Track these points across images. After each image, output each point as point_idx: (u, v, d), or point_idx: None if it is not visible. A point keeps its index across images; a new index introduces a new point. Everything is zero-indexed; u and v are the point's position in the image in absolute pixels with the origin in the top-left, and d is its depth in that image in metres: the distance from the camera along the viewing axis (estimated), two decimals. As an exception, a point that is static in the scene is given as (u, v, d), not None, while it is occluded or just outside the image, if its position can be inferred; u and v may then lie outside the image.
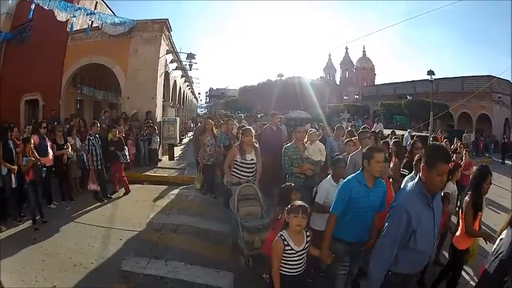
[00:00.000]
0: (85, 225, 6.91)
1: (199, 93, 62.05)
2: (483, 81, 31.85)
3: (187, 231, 6.77)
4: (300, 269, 3.43)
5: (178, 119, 16.13)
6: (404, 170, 6.23)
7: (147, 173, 11.57)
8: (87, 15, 14.28)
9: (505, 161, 21.78)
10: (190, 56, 18.14)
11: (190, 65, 18.92)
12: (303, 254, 3.41)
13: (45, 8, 12.88)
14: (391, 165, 5.90)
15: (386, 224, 2.93)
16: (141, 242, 6.19)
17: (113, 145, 9.01)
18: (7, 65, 18.35)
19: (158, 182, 10.73)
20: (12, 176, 6.81)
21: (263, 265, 4.05)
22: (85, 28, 14.55)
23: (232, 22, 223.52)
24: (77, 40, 15.78)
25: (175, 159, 14.59)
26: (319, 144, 6.79)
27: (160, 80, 15.31)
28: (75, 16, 13.84)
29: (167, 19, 15.04)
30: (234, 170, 6.23)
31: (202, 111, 67.22)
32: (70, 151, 8.62)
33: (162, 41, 14.97)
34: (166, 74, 17.52)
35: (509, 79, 32.61)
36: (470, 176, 4.82)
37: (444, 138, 16.13)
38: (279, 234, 3.39)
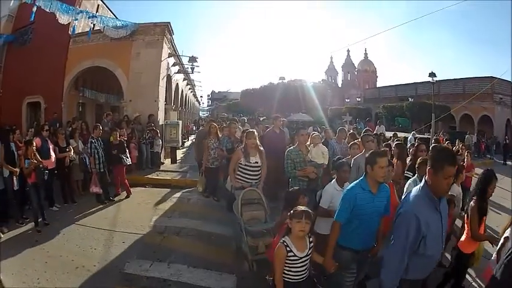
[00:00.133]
0: (87, 227, 6.89)
1: (201, 96, 62.41)
2: (484, 83, 32.07)
3: (189, 234, 6.75)
4: (303, 275, 3.37)
5: (180, 122, 16.09)
6: (408, 172, 6.21)
7: (150, 176, 11.56)
8: (88, 18, 14.26)
9: (507, 162, 21.69)
10: (192, 59, 18.17)
11: (192, 68, 18.95)
12: (306, 260, 3.34)
13: (47, 10, 12.87)
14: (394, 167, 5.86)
15: (395, 232, 2.86)
16: (144, 245, 6.17)
17: (115, 148, 8.99)
18: (9, 68, 18.39)
19: (161, 185, 10.71)
20: (14, 178, 6.81)
21: (267, 269, 4.02)
22: (87, 31, 14.57)
23: (234, 23, 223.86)
24: (78, 43, 15.81)
25: (177, 162, 14.56)
26: (322, 147, 6.77)
27: (163, 83, 15.31)
28: (76, 19, 13.80)
29: (169, 22, 15.06)
30: (238, 173, 6.17)
31: (204, 114, 67.27)
32: (72, 154, 8.61)
33: (164, 44, 14.97)
34: (169, 77, 17.52)
35: (511, 80, 32.49)
36: (473, 178, 4.82)
37: (446, 140, 16.05)
38: (281, 241, 3.33)
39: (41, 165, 6.99)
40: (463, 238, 4.44)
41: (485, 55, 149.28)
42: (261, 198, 5.58)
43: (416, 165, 5.22)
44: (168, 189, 10.19)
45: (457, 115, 34.50)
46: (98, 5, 19.57)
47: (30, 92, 17.32)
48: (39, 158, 6.96)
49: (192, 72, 20.04)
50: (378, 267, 3.04)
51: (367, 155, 3.87)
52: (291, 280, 3.31)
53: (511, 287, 2.74)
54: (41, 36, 16.78)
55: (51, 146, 8.02)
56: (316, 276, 4.27)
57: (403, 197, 4.95)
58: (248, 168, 6.09)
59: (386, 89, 53.69)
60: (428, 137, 19.65)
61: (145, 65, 14.53)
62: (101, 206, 8.39)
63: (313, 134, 7.10)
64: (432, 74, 23.64)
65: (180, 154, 16.40)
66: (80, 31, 15.03)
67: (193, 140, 18.20)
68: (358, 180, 3.73)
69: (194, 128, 31.22)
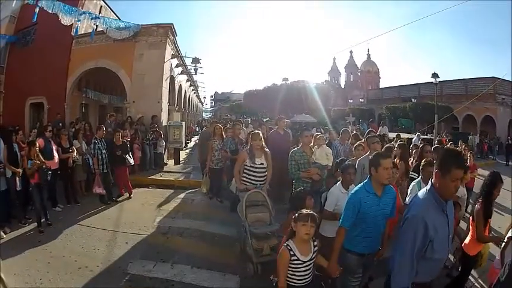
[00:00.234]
0: (90, 228, 6.88)
1: (204, 97, 62.36)
2: (487, 83, 31.97)
3: (193, 235, 6.73)
4: (307, 279, 3.32)
5: (183, 123, 16.10)
6: (413, 173, 6.17)
7: (153, 177, 11.55)
8: (91, 19, 14.29)
9: (509, 163, 21.64)
10: (196, 61, 18.22)
11: (196, 69, 18.98)
12: (309, 264, 3.30)
13: (49, 11, 12.91)
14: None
15: (403, 236, 2.81)
16: (147, 246, 6.16)
17: (119, 149, 8.98)
18: (11, 68, 18.45)
19: (164, 186, 10.70)
20: (17, 178, 6.81)
21: (271, 271, 3.99)
22: (90, 32, 14.62)
23: (238, 24, 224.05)
24: (81, 44, 15.86)
25: (180, 163, 14.56)
26: (326, 149, 6.74)
27: (166, 85, 15.32)
28: (79, 20, 13.84)
29: (172, 24, 15.11)
30: (243, 174, 6.12)
31: (207, 115, 67.35)
32: (75, 154, 8.61)
33: (167, 45, 15.01)
34: (172, 79, 17.56)
35: (512, 80, 32.42)
36: (475, 179, 4.79)
37: (449, 140, 16.00)
38: (285, 244, 3.29)
39: (44, 166, 6.98)
40: (467, 240, 4.43)
41: (488, 55, 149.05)
42: (266, 200, 5.56)
43: (421, 167, 5.19)
44: (172, 190, 10.18)
45: (459, 116, 34.45)
46: (101, 6, 19.65)
47: (33, 93, 17.38)
48: (42, 158, 6.95)
49: (196, 74, 20.05)
50: (382, 267, 3.00)
51: (370, 156, 3.83)
52: (295, 284, 3.27)
53: None
54: (44, 37, 16.85)
55: (54, 147, 8.01)
56: (322, 279, 4.23)
57: (407, 199, 5.00)
58: (253, 169, 6.04)
59: (389, 89, 53.71)
60: (431, 137, 19.61)
61: (148, 66, 14.55)
62: (104, 206, 8.37)
63: (317, 135, 7.07)
64: (435, 75, 23.60)
65: (183, 155, 16.40)
66: (82, 32, 15.09)
67: (196, 141, 18.18)
68: (362, 183, 3.66)
69: (197, 129, 31.25)
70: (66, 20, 13.32)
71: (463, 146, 12.78)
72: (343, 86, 75.86)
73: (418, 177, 5.38)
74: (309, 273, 3.32)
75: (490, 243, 4.47)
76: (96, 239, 6.35)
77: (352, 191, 3.72)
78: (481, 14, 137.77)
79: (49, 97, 16.88)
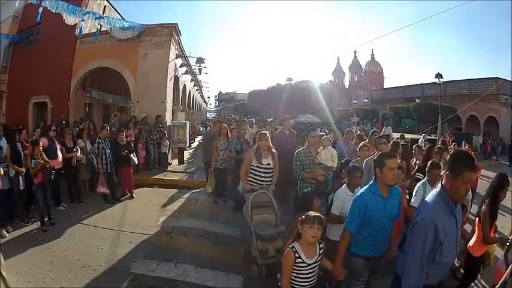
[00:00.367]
0: (94, 227, 6.87)
1: (208, 97, 62.54)
2: (490, 84, 31.91)
3: (197, 235, 6.72)
4: (312, 282, 3.28)
5: (188, 123, 16.09)
6: (419, 174, 6.12)
7: (157, 177, 11.55)
8: (95, 19, 14.32)
9: (512, 164, 21.42)
10: (200, 61, 18.21)
11: (200, 69, 18.98)
12: (314, 267, 3.25)
13: (53, 11, 12.93)
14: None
15: (413, 239, 2.77)
16: (151, 245, 6.14)
17: (125, 149, 8.98)
18: (15, 68, 18.50)
19: (168, 186, 10.70)
20: (20, 178, 6.83)
21: (276, 273, 3.95)
22: (94, 32, 14.62)
23: (242, 24, 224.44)
24: (85, 44, 15.89)
25: (184, 163, 14.56)
26: (332, 150, 6.71)
27: (170, 84, 15.34)
28: (83, 20, 13.88)
29: (176, 23, 15.10)
30: (249, 174, 6.05)
31: (211, 115, 67.41)
32: (79, 154, 8.60)
33: (172, 45, 15.01)
34: (176, 78, 17.57)
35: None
36: (479, 180, 4.75)
37: (452, 141, 15.92)
38: (290, 246, 3.25)
39: (47, 165, 6.97)
40: (472, 241, 4.39)
41: (492, 56, 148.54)
42: (272, 201, 5.50)
43: (427, 168, 5.14)
44: (176, 190, 10.17)
45: (463, 116, 34.41)
46: (105, 6, 19.68)
47: (37, 92, 17.42)
48: (45, 158, 6.95)
49: (200, 73, 20.08)
50: (388, 267, 2.96)
51: (374, 157, 3.76)
52: (299, 286, 3.24)
53: None
54: (47, 36, 16.89)
55: (58, 146, 8.02)
56: (326, 280, 4.18)
57: (412, 200, 4.96)
58: (260, 170, 5.97)
59: (393, 90, 53.65)
60: (435, 138, 19.53)
61: (152, 66, 14.57)
62: (108, 206, 8.37)
63: (322, 136, 7.03)
64: (439, 75, 23.47)
65: (187, 155, 16.39)
66: (86, 32, 15.10)
67: (200, 141, 18.17)
68: (367, 185, 3.54)
69: (201, 129, 31.20)
70: (70, 19, 13.35)
71: (467, 147, 12.71)
72: (347, 86, 75.88)
73: (423, 178, 5.33)
74: (314, 276, 3.27)
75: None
76: (99, 238, 6.33)
77: (358, 194, 3.61)
78: (485, 14, 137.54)
79: (53, 97, 16.91)
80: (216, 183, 8.76)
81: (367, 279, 3.70)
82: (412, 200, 5.00)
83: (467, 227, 5.37)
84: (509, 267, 2.97)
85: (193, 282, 4.87)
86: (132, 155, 9.21)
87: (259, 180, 5.96)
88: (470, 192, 5.51)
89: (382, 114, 46.05)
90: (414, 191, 5.10)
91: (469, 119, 35.53)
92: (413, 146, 8.77)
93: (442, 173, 4.32)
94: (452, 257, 2.88)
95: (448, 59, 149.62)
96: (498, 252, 4.23)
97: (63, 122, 13.36)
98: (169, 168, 13.08)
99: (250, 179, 6.02)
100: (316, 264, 3.27)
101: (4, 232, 6.23)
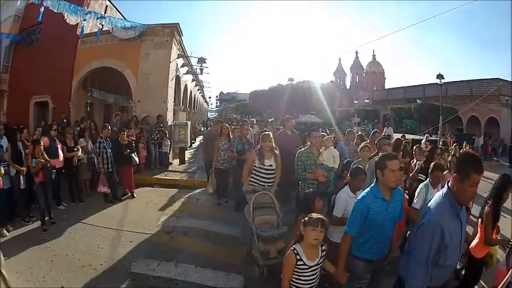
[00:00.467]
0: (94, 226, 6.86)
1: (209, 97, 62.49)
2: (491, 84, 32.06)
3: (197, 234, 6.70)
4: (313, 284, 3.25)
5: (189, 122, 16.11)
6: (421, 175, 6.10)
7: (158, 176, 11.56)
8: (97, 18, 14.36)
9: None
10: (201, 61, 18.24)
11: (201, 69, 19.00)
12: (316, 269, 3.22)
13: (55, 11, 12.94)
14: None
15: (418, 241, 2.73)
16: (151, 245, 6.14)
17: (127, 148, 8.98)
18: (16, 67, 18.53)
19: (169, 186, 10.71)
20: (21, 177, 6.82)
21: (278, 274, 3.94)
22: (95, 31, 14.64)
23: (244, 24, 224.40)
24: (87, 43, 15.91)
25: (185, 162, 14.55)
26: (334, 151, 6.69)
27: (171, 84, 15.36)
28: (85, 20, 13.91)
29: (178, 23, 15.15)
30: (251, 175, 6.03)
31: (212, 115, 67.35)
32: (80, 153, 8.59)
33: (173, 45, 15.05)
34: (177, 78, 17.58)
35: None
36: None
37: (453, 142, 15.88)
38: (292, 248, 3.22)
39: (48, 165, 6.97)
40: (474, 243, 4.36)
41: (493, 56, 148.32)
42: (274, 202, 5.47)
43: (430, 170, 5.13)
44: (176, 190, 10.17)
45: (464, 117, 34.28)
46: (106, 6, 19.69)
47: (38, 92, 17.42)
48: (46, 157, 6.93)
49: (201, 73, 20.10)
50: (390, 267, 2.94)
51: (376, 159, 3.72)
52: None
53: None
54: (49, 36, 16.89)
55: (59, 146, 8.01)
56: (327, 280, 4.16)
57: (414, 201, 4.93)
58: (262, 170, 5.95)
59: (395, 90, 53.41)
60: (436, 139, 19.51)
61: (154, 65, 14.61)
62: (109, 205, 8.37)
63: (322, 135, 7.00)
64: (440, 76, 23.50)
65: (188, 155, 16.39)
66: (88, 32, 15.12)
67: (201, 141, 18.16)
68: (369, 188, 3.50)
69: (203, 129, 31.19)
70: (71, 19, 13.37)
71: (468, 148, 12.70)
72: (348, 87, 75.76)
73: (425, 179, 5.32)
74: (315, 278, 3.25)
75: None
76: (100, 237, 6.33)
77: (359, 197, 3.56)
78: (486, 14, 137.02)
79: (54, 96, 16.92)
80: (217, 183, 8.73)
81: (368, 281, 3.67)
82: (414, 201, 4.98)
83: (469, 229, 5.34)
84: (511, 271, 2.96)
85: (194, 282, 4.86)
86: (133, 155, 9.17)
87: (261, 181, 5.93)
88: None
89: (383, 114, 45.88)
90: (416, 192, 5.08)
91: (470, 119, 35.35)
92: (414, 147, 8.76)
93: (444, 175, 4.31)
94: (456, 260, 2.86)
95: (449, 59, 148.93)
96: (500, 254, 4.21)
97: (64, 121, 13.35)
98: (170, 168, 13.08)
99: (252, 179, 6.00)
100: (318, 266, 3.24)
101: (4, 231, 6.23)
